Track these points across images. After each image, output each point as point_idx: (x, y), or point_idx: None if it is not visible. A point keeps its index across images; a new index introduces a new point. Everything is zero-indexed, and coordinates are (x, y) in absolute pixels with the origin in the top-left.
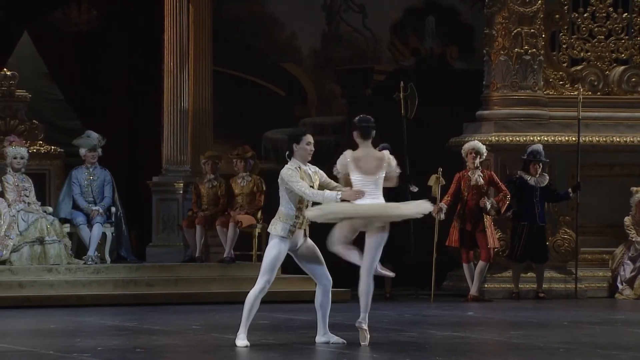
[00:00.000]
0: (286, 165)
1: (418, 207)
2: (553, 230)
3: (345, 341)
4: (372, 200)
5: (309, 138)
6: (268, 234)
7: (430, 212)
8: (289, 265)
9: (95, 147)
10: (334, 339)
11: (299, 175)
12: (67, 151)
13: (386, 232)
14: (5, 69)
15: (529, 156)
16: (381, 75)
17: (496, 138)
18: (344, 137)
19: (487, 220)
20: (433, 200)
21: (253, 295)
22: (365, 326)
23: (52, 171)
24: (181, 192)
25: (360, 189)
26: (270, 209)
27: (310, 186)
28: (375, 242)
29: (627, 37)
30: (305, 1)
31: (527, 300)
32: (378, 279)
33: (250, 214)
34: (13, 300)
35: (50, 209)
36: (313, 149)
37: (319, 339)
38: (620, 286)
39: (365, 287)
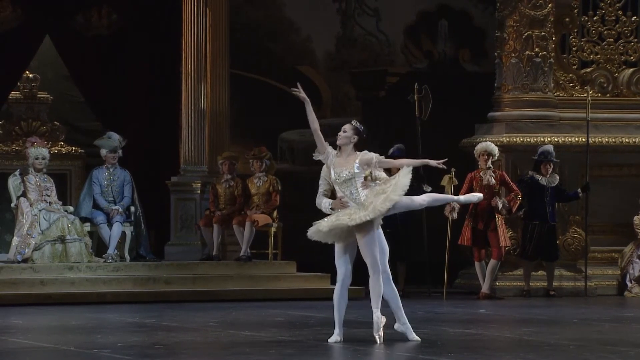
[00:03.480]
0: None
1: (372, 212)
2: (563, 229)
3: (419, 339)
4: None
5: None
6: (283, 232)
7: (443, 212)
8: (305, 264)
9: (116, 149)
10: (411, 336)
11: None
12: (88, 152)
13: (370, 233)
14: (27, 72)
15: (540, 156)
16: (395, 78)
17: (507, 139)
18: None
19: (499, 219)
20: None
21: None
22: (381, 324)
23: (73, 171)
24: (199, 191)
25: (339, 196)
26: (285, 208)
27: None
28: (363, 244)
29: (636, 39)
30: (320, 5)
31: (538, 298)
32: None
33: (266, 213)
34: (35, 298)
35: (71, 208)
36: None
37: (397, 327)
38: (629, 284)
39: (371, 285)
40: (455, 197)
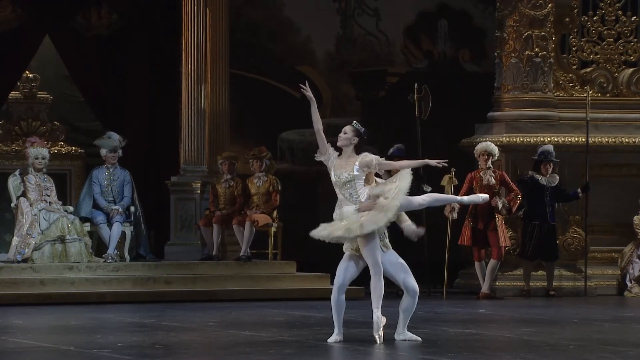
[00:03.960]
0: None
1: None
2: (563, 229)
3: (420, 339)
4: (347, 206)
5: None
6: (283, 232)
7: (443, 212)
8: (305, 263)
9: (115, 148)
10: (409, 335)
11: None
12: (88, 152)
13: (371, 239)
14: (27, 72)
15: (540, 156)
16: (394, 78)
17: (507, 139)
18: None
19: (499, 219)
20: None
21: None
22: (381, 324)
23: (73, 171)
24: (199, 191)
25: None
26: (285, 208)
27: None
28: (364, 249)
29: (635, 39)
30: (320, 5)
31: (538, 298)
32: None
33: (266, 213)
34: (35, 298)
35: (71, 208)
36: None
37: (397, 336)
38: (629, 284)
39: (372, 286)
40: (459, 198)
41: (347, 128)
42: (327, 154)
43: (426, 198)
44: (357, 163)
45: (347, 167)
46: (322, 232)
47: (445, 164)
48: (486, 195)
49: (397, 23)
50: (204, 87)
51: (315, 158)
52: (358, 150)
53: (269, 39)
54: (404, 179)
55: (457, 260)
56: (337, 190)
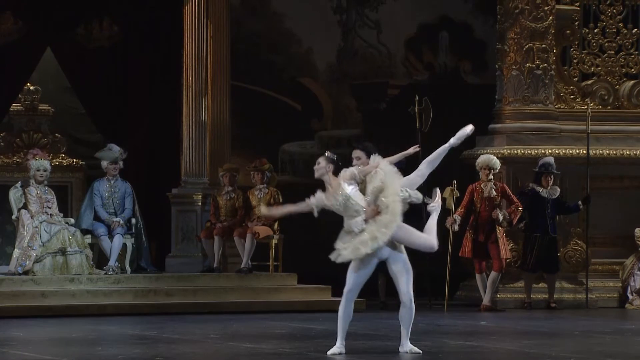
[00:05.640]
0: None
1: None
2: (564, 241)
3: (420, 351)
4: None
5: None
6: (284, 244)
7: (444, 224)
8: (306, 275)
9: (116, 160)
10: (409, 347)
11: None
12: (89, 164)
13: (397, 232)
14: (29, 84)
15: (541, 168)
16: (395, 90)
17: (508, 151)
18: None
19: (500, 231)
20: (447, 212)
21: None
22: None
23: (74, 183)
24: (200, 203)
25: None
26: (286, 220)
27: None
28: (403, 242)
29: (636, 52)
30: (321, 17)
31: (539, 310)
32: (391, 288)
33: (267, 225)
34: (36, 310)
35: (72, 220)
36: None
37: (401, 348)
38: (630, 296)
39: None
40: (447, 145)
41: (320, 159)
42: (318, 200)
43: (422, 169)
44: (342, 182)
45: (336, 190)
46: (344, 253)
47: (418, 148)
48: (471, 126)
49: (398, 35)
50: (205, 99)
51: (315, 214)
52: (337, 174)
53: (270, 50)
54: (391, 175)
55: (458, 272)
56: (343, 216)
